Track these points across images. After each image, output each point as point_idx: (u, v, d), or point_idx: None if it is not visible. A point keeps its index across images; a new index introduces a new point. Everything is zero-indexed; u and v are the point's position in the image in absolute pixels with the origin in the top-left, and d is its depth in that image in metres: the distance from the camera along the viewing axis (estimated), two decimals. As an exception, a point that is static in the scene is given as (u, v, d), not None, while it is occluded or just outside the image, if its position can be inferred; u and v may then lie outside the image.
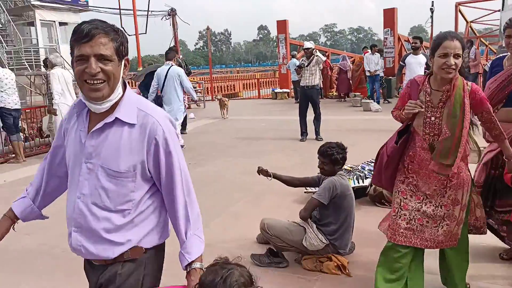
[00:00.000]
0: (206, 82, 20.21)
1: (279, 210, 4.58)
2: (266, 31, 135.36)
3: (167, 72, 7.73)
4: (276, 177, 3.71)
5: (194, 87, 14.76)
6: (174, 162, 1.59)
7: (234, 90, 22.16)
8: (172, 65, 7.88)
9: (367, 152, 5.93)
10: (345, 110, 13.00)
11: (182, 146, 8.06)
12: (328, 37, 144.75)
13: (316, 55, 8.27)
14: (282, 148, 7.88)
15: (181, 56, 9.83)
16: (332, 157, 3.26)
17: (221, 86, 21.38)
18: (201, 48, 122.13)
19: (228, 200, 5.09)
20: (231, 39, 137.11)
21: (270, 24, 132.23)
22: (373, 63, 13.14)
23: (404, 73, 8.85)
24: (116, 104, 1.55)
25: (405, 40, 16.87)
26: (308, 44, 8.33)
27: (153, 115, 1.56)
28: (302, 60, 8.41)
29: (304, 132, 8.48)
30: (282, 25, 17.58)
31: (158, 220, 1.69)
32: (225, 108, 12.36)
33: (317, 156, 3.39)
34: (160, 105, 7.97)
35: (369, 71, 13.26)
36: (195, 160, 7.19)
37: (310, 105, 8.43)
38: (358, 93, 13.95)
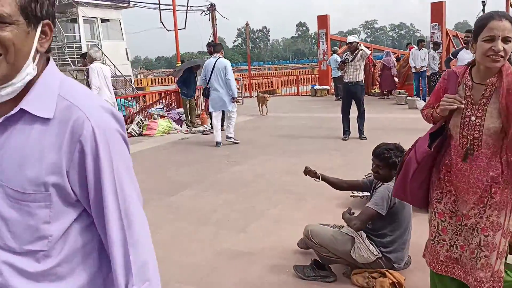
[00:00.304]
0: (244, 78, 20.00)
1: (322, 214, 4.23)
2: (304, 28, 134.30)
3: (214, 64, 7.77)
4: (324, 179, 3.36)
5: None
6: (105, 177, 1.00)
7: (272, 87, 21.85)
8: (220, 57, 7.88)
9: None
10: (389, 107, 12.41)
11: (234, 142, 8.03)
12: (368, 33, 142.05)
13: (361, 49, 7.81)
14: (323, 147, 7.49)
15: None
16: (390, 160, 2.87)
17: (259, 83, 21.12)
18: (239, 45, 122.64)
19: (267, 202, 4.78)
20: (269, 36, 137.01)
21: (309, 21, 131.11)
22: (419, 59, 12.47)
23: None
24: (25, 91, 1.00)
25: (453, 36, 16.00)
26: (352, 38, 7.88)
27: (81, 105, 1.00)
28: (345, 55, 7.98)
29: (346, 131, 8.06)
30: (323, 20, 17.08)
31: (98, 270, 1.10)
32: (265, 105, 12.05)
33: (371, 158, 3.01)
34: (208, 96, 8.08)
35: (414, 67, 12.60)
36: (232, 158, 6.94)
37: (353, 102, 8.01)
38: (402, 90, 13.29)
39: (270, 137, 8.70)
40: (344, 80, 8.01)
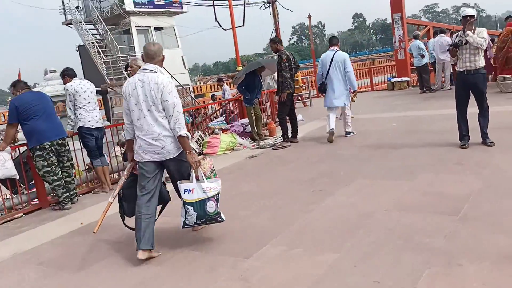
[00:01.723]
0: (310, 76, 18.27)
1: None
2: (361, 19, 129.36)
3: (332, 57, 7.73)
4: None
5: (300, 84, 12.93)
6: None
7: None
8: (337, 50, 7.85)
9: None
10: (495, 98, 10.10)
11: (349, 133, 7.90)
12: (430, 18, 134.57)
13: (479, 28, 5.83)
14: (439, 160, 5.59)
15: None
16: None
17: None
18: (295, 43, 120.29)
19: (401, 269, 3.02)
20: (325, 31, 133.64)
21: (365, 11, 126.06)
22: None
23: None
24: None
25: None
26: (470, 11, 5.90)
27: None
28: (456, 36, 5.99)
29: (465, 136, 6.08)
30: (397, 4, 14.88)
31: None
32: None
33: None
34: (324, 91, 7.96)
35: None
36: (317, 185, 5.23)
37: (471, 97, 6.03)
38: (508, 76, 10.88)
39: (359, 148, 6.90)
40: (458, 69, 6.04)
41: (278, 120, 8.64)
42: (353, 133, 8.03)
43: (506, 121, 7.20)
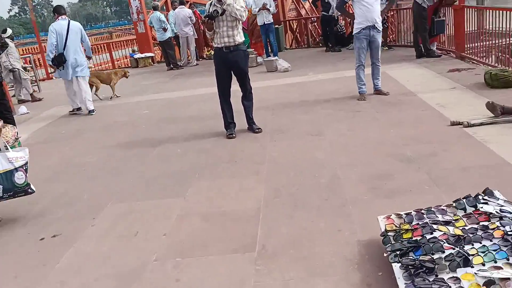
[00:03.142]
0: (35, 53, 15.08)
1: None
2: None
3: (68, 27, 7.20)
4: None
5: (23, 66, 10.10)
6: None
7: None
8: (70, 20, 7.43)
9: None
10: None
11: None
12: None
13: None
14: (211, 159, 4.56)
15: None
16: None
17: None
18: (17, 14, 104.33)
19: None
20: (52, 2, 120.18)
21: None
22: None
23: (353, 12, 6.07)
24: None
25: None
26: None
27: None
28: (212, 4, 4.94)
29: (231, 123, 5.24)
30: (129, -31, 13.32)
31: None
32: (98, 89, 8.71)
33: None
34: (61, 64, 7.21)
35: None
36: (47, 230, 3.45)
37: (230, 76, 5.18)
38: (251, 50, 10.92)
39: (106, 153, 5.28)
40: (215, 45, 5.05)
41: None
42: (93, 111, 7.44)
43: (262, 97, 6.77)
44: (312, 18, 14.43)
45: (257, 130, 5.20)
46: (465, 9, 7.68)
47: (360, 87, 6.09)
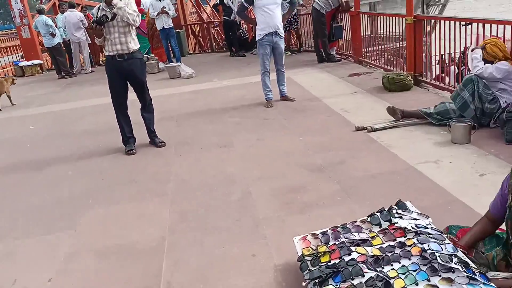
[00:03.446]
0: None
1: None
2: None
3: None
4: None
5: None
6: None
7: None
8: None
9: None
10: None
11: None
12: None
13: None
14: (110, 180, 4.07)
15: None
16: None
17: None
18: None
19: None
20: None
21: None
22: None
23: (254, 18, 5.91)
24: None
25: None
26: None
27: None
28: (100, 8, 4.42)
29: (130, 138, 4.77)
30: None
31: None
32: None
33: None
34: None
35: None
36: None
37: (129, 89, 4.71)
38: (152, 55, 10.36)
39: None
40: (107, 54, 4.54)
41: None
42: None
43: (165, 107, 6.36)
44: (214, 23, 14.22)
45: (160, 144, 4.79)
46: (361, 15, 7.96)
47: (266, 93, 5.96)
